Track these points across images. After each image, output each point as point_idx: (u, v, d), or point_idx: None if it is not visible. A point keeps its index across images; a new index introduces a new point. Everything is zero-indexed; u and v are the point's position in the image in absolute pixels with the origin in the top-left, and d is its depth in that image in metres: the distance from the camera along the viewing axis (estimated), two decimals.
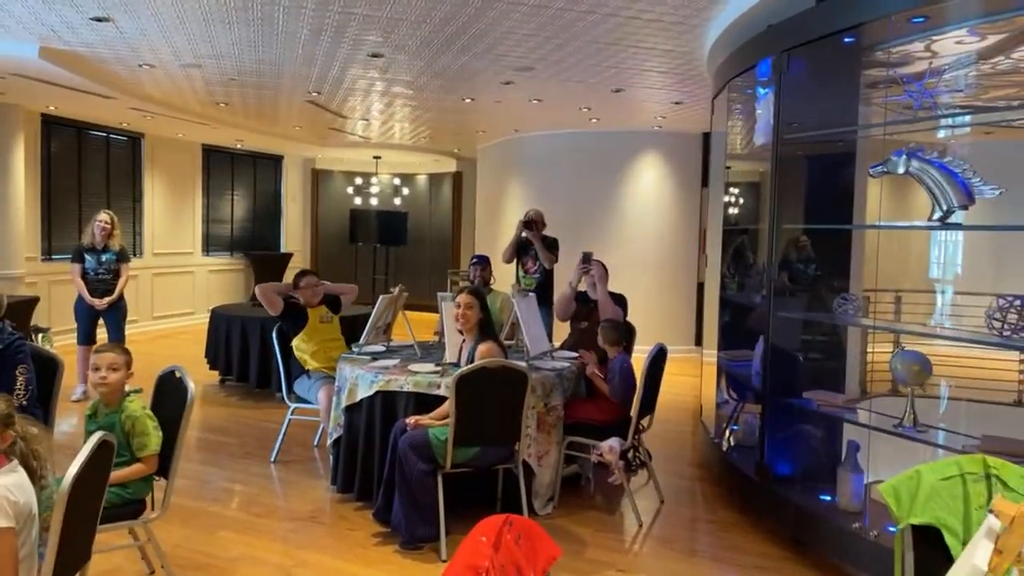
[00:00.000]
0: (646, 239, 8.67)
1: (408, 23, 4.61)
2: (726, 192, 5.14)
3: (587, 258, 4.68)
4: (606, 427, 3.81)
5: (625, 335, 4.12)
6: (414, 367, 3.91)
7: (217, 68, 6.02)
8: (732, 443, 4.19)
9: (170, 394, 2.90)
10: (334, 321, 4.82)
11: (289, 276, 11.11)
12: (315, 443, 4.84)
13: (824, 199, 3.86)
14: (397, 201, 12.65)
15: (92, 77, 6.10)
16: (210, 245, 10.62)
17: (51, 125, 8.19)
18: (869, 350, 4.14)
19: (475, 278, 5.66)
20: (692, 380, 6.57)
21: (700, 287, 8.51)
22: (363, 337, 4.70)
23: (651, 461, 4.18)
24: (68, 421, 5.14)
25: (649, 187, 8.73)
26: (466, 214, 11.93)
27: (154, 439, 2.72)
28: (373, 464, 3.72)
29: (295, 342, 4.66)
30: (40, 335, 6.75)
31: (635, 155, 8.70)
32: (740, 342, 4.56)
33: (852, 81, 3.71)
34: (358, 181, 12.67)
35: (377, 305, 4.70)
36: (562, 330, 5.15)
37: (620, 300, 4.72)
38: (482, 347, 3.54)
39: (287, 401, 4.58)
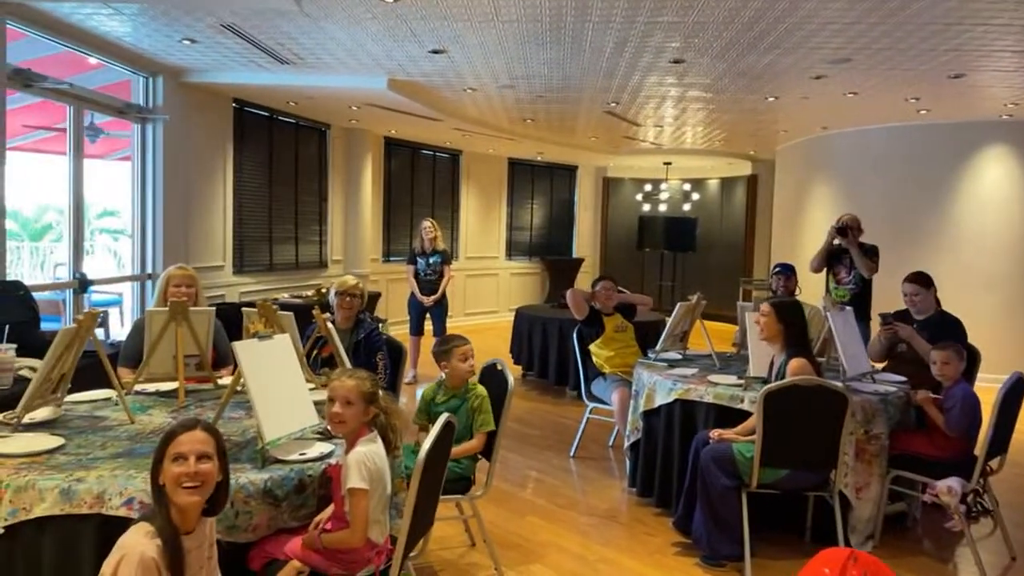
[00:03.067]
0: (988, 249, 7.36)
1: (714, 26, 4.51)
2: None
3: (887, 319, 4.18)
4: (940, 463, 3.31)
5: (969, 360, 3.54)
6: (714, 378, 3.81)
7: (527, 87, 6.51)
8: None
9: (492, 383, 3.19)
10: (628, 330, 4.91)
11: (580, 280, 11.68)
12: (610, 443, 4.97)
13: None
14: (686, 207, 12.46)
15: (426, 103, 7.00)
16: (512, 250, 11.54)
17: (391, 146, 9.59)
18: None
19: (778, 288, 5.33)
20: None
21: None
22: (659, 343, 4.71)
23: (998, 509, 3.53)
24: (399, 400, 5.95)
25: (993, 187, 7.41)
26: (760, 220, 11.32)
27: (492, 417, 3.04)
28: (672, 471, 3.70)
29: (592, 347, 4.84)
30: (380, 325, 7.93)
31: (975, 149, 7.45)
32: None
33: None
34: (647, 188, 12.75)
35: (675, 312, 4.67)
36: None
37: (954, 324, 4.09)
38: (793, 363, 3.29)
39: (585, 400, 4.77)
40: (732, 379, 3.76)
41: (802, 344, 3.42)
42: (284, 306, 5.92)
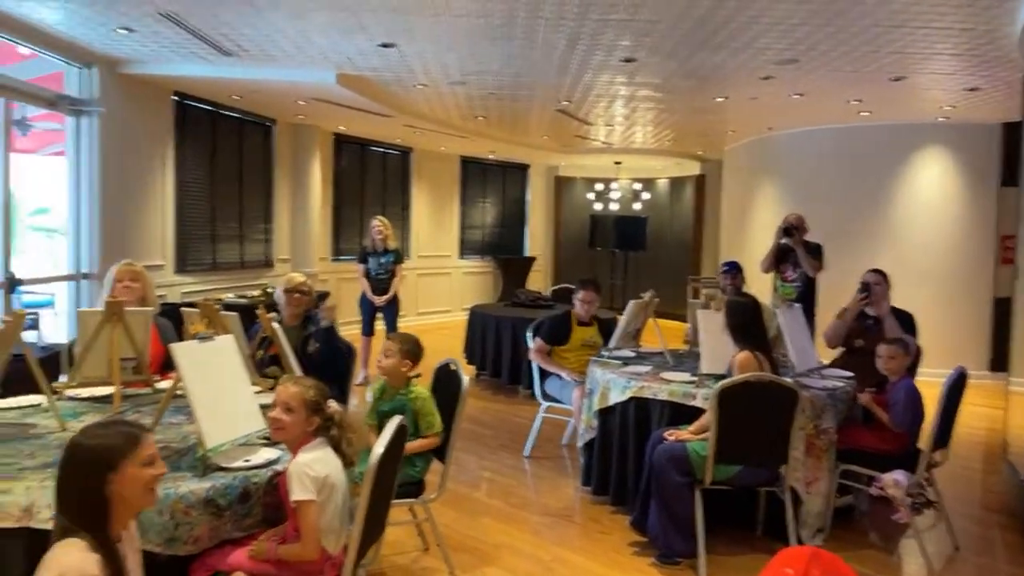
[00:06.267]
0: (926, 246, 7.62)
1: (665, 24, 4.53)
2: None
3: (866, 287, 4.26)
4: (886, 457, 3.39)
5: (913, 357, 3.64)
6: (668, 375, 3.82)
7: (479, 84, 6.45)
8: None
9: (446, 384, 3.13)
10: (596, 347, 4.73)
11: (533, 278, 11.68)
12: (563, 442, 4.95)
13: None
14: (637, 206, 12.58)
15: (376, 98, 6.87)
16: (465, 249, 11.47)
17: (340, 143, 9.41)
18: None
19: (726, 286, 5.41)
20: (987, 411, 5.65)
21: (998, 302, 7.29)
22: (612, 341, 4.71)
23: (942, 501, 3.64)
24: (350, 401, 5.82)
25: (930, 187, 7.68)
26: (708, 219, 11.51)
27: (438, 418, 2.98)
28: (627, 469, 3.70)
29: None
30: (321, 317, 7.76)
31: (913, 151, 7.70)
32: None
33: None
34: (599, 187, 12.83)
35: (627, 310, 4.68)
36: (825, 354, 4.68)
37: (907, 320, 4.21)
38: (740, 356, 3.32)
39: (539, 399, 4.73)
40: (685, 376, 3.78)
41: (750, 338, 3.39)
42: (229, 306, 5.74)
